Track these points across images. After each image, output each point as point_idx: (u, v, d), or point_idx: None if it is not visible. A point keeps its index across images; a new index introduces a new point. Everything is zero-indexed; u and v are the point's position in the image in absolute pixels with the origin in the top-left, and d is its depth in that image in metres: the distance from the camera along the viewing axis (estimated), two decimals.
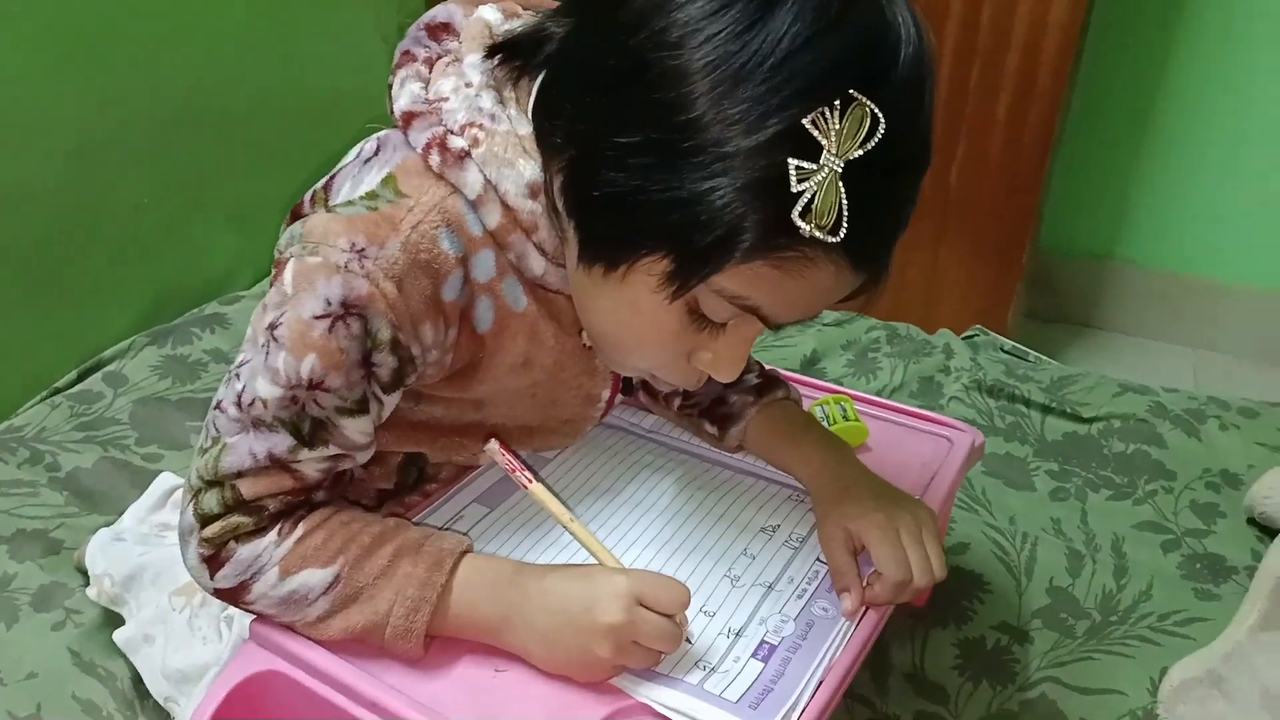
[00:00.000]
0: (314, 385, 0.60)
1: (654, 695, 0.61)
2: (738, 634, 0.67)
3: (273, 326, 0.60)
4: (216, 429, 0.63)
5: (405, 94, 0.63)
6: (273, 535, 0.63)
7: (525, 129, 0.61)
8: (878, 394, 1.28)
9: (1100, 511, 1.12)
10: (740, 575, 0.71)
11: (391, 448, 0.73)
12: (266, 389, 0.60)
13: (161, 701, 0.83)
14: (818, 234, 0.52)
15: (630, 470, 0.82)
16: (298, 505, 0.64)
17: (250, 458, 0.62)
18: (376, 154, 0.63)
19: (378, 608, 0.62)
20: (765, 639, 0.66)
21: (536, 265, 0.63)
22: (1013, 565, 1.04)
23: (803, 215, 0.52)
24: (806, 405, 0.88)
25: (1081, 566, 1.04)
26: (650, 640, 0.61)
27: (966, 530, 1.08)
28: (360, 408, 0.62)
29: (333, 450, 0.63)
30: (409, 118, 0.62)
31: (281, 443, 0.61)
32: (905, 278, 1.76)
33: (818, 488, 0.76)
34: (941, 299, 1.74)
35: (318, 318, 0.58)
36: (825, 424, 0.88)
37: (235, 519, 0.63)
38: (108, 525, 1.04)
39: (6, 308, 1.22)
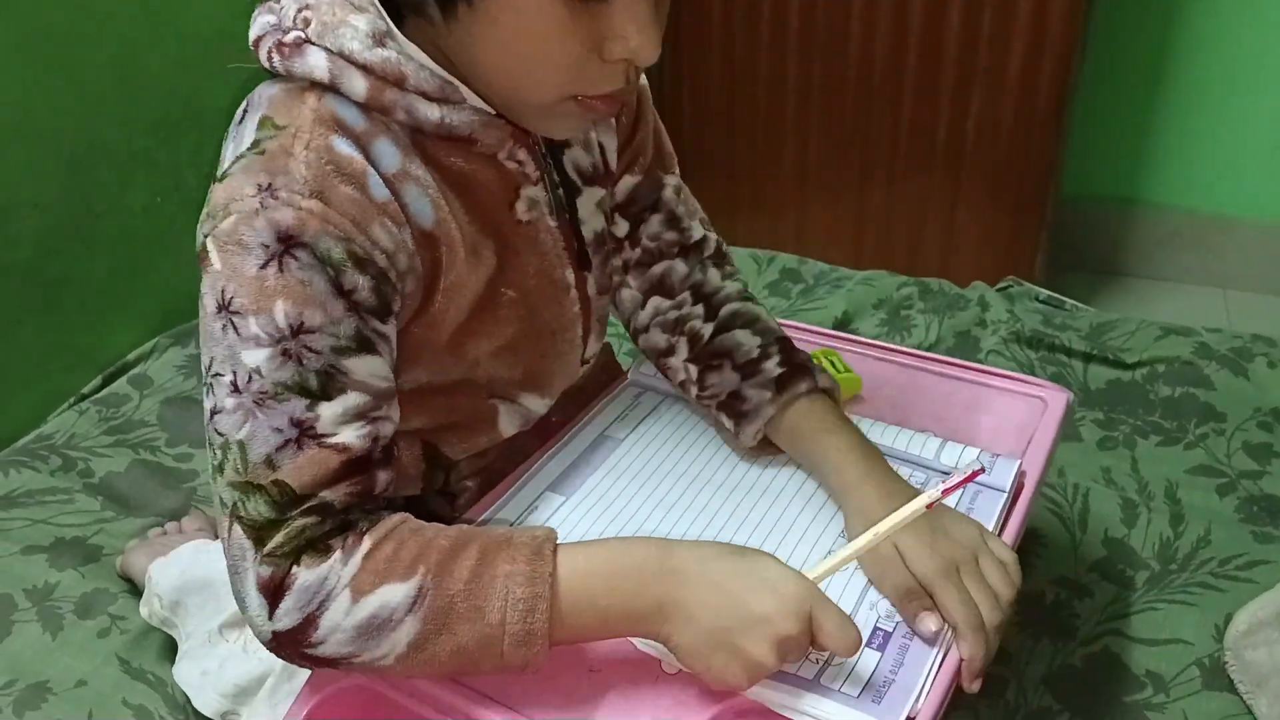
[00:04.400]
0: (296, 331, 0.55)
1: (768, 693, 0.58)
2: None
3: (223, 306, 0.55)
4: (221, 433, 0.56)
5: (256, 26, 0.61)
6: (337, 554, 0.55)
7: None
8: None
9: (1151, 458, 1.10)
10: None
11: (399, 441, 0.69)
12: (253, 357, 0.55)
13: (219, 718, 0.81)
14: None
15: (710, 445, 0.78)
16: (361, 497, 0.57)
17: (275, 434, 0.55)
18: (246, 111, 0.61)
19: (488, 618, 0.55)
20: (878, 625, 0.63)
21: (429, 111, 0.60)
22: (1066, 518, 1.02)
23: None
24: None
25: (1136, 516, 1.02)
26: (796, 656, 0.57)
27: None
28: (360, 345, 0.57)
29: (354, 400, 0.57)
30: (257, 41, 0.60)
31: (296, 406, 0.55)
32: (923, 233, 1.73)
33: (854, 509, 0.68)
34: (961, 254, 1.71)
35: (263, 266, 0.54)
36: None
37: (298, 521, 0.55)
38: (146, 528, 1.04)
39: (19, 318, 1.21)
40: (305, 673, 0.64)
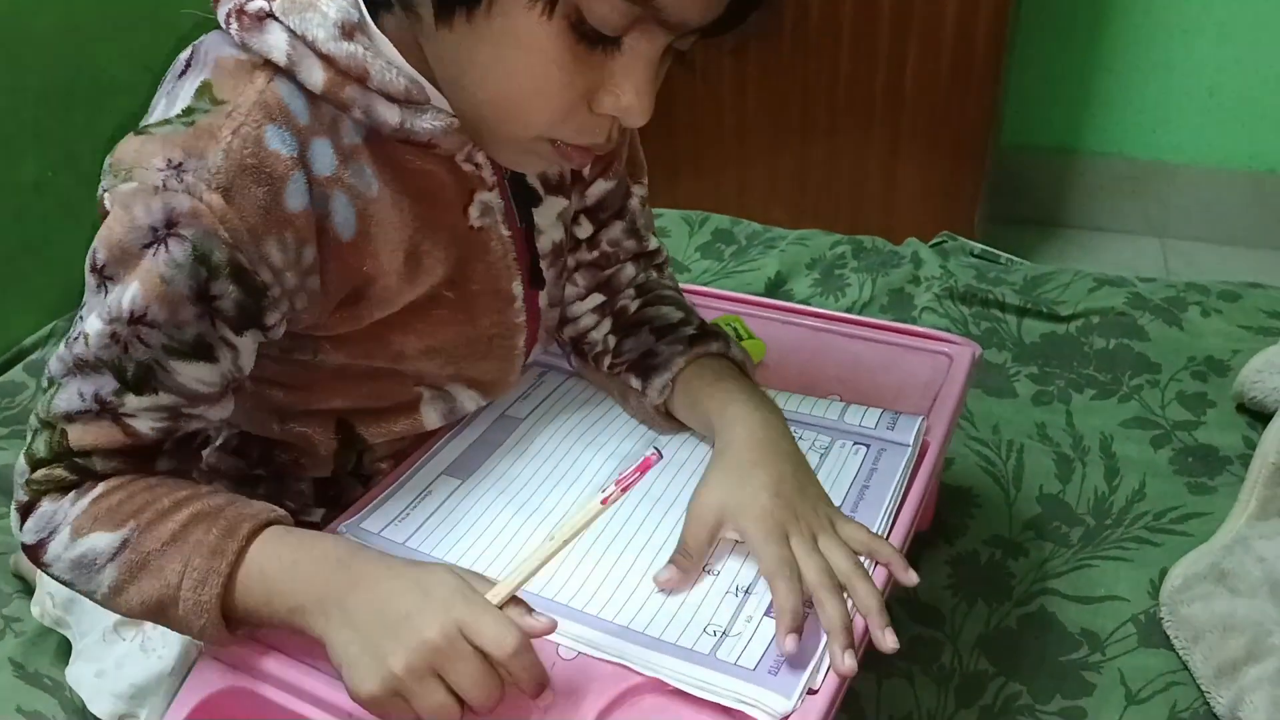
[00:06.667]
0: (135, 319, 0.54)
1: (665, 669, 0.56)
2: (747, 592, 0.61)
3: (97, 267, 0.54)
4: (50, 370, 0.58)
5: None
6: (72, 494, 0.58)
7: None
8: (848, 310, 1.24)
9: (1086, 412, 1.08)
10: None
11: (313, 420, 0.67)
12: (90, 324, 0.55)
13: None
14: None
15: (615, 422, 0.76)
16: (129, 470, 0.59)
17: (78, 399, 0.56)
18: (190, 64, 0.57)
19: (168, 579, 0.56)
20: None
21: (389, 114, 0.56)
22: (1000, 476, 1.00)
23: None
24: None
25: (1071, 471, 1.01)
26: (460, 678, 0.51)
27: (950, 445, 1.04)
28: (196, 351, 0.56)
29: (165, 399, 0.57)
30: None
31: (106, 385, 0.56)
32: (864, 188, 1.71)
33: (723, 444, 0.65)
34: (903, 207, 1.70)
35: (143, 246, 0.53)
36: None
37: (59, 471, 0.58)
38: None
39: None
40: None
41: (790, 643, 0.56)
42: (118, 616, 0.78)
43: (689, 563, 0.61)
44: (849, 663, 0.56)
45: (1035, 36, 1.74)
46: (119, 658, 0.77)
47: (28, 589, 0.92)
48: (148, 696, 0.75)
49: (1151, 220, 1.87)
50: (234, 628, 0.57)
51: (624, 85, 0.53)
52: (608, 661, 0.57)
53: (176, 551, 0.56)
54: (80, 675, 0.80)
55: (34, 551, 0.60)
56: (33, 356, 1.22)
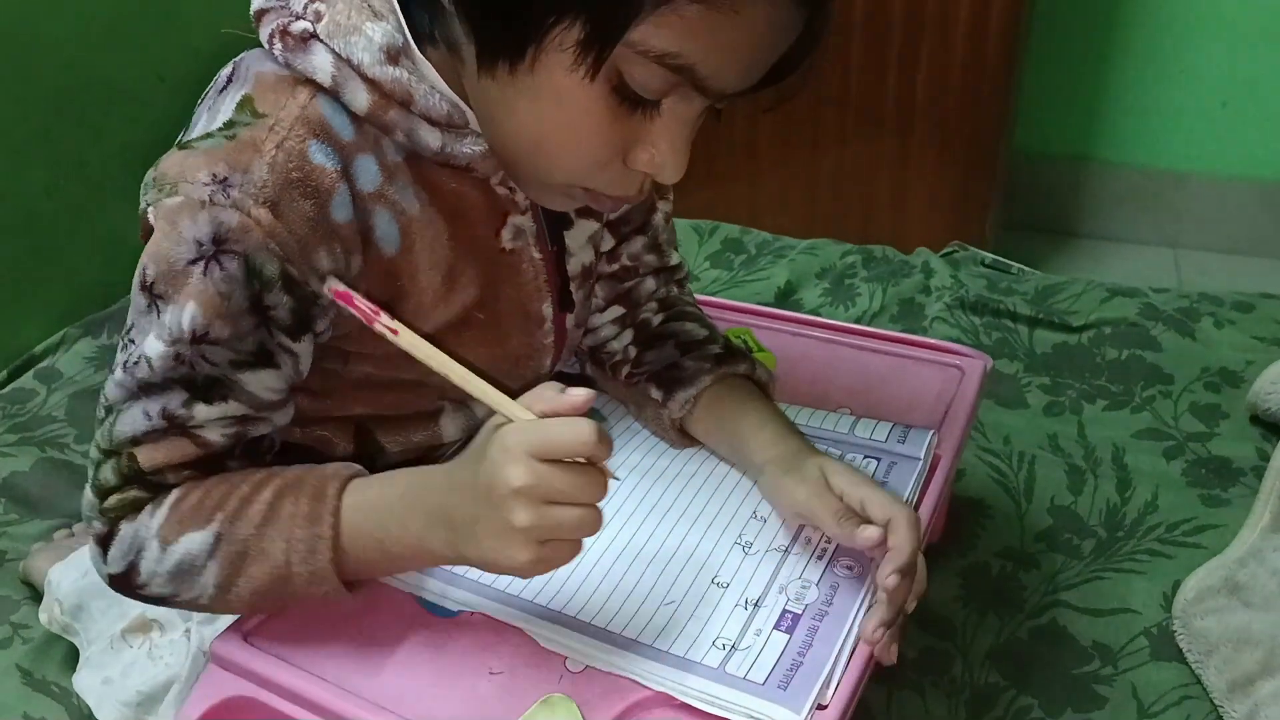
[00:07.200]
0: (198, 339, 0.54)
1: (673, 683, 0.56)
2: (756, 604, 0.61)
3: (147, 284, 0.54)
4: (108, 397, 0.58)
5: None
6: (149, 507, 0.58)
7: None
8: (857, 321, 1.24)
9: (1098, 423, 1.08)
10: (752, 541, 0.65)
11: (332, 424, 0.67)
12: (152, 347, 0.55)
13: None
14: None
15: (624, 434, 0.75)
16: (198, 480, 0.58)
17: (144, 419, 0.56)
18: (231, 80, 0.57)
19: (274, 558, 0.56)
20: (787, 608, 0.60)
21: (431, 138, 0.57)
22: (1011, 487, 1.00)
23: None
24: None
25: (1083, 482, 1.00)
26: (569, 495, 0.50)
27: (961, 456, 1.03)
28: (259, 360, 0.56)
29: (235, 409, 0.57)
30: (260, 15, 0.56)
31: (174, 400, 0.56)
32: (875, 196, 1.71)
33: (775, 455, 0.67)
34: (914, 216, 1.69)
35: (190, 262, 0.53)
36: None
37: (133, 493, 0.58)
38: (52, 530, 0.99)
39: None
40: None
41: (893, 581, 0.58)
42: (125, 624, 0.78)
43: (850, 521, 0.61)
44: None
45: (1048, 44, 1.73)
46: (126, 665, 0.77)
47: (36, 595, 0.92)
48: (154, 704, 0.75)
49: (1165, 230, 1.86)
50: (353, 586, 0.58)
51: (660, 144, 0.54)
52: (616, 675, 0.57)
53: (273, 530, 0.56)
54: (87, 682, 0.80)
55: (125, 579, 0.59)
56: (43, 364, 1.21)
